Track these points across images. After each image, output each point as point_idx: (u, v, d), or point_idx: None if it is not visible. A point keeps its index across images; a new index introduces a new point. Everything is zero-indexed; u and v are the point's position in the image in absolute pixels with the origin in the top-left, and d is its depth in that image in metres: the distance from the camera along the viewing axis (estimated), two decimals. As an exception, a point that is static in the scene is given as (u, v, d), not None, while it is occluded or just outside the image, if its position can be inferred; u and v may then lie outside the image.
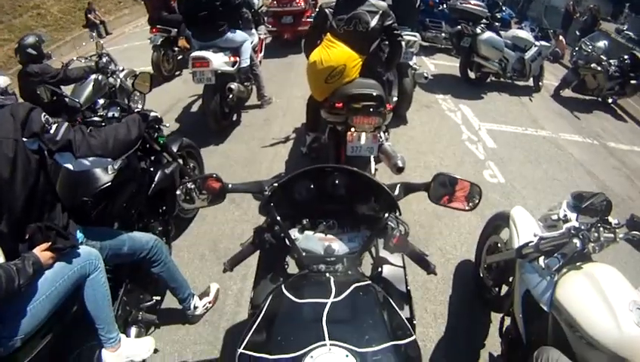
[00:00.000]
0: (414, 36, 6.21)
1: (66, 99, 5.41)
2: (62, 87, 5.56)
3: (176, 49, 9.22)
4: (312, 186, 1.76)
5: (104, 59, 6.07)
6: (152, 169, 3.20)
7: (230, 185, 1.87)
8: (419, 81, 6.55)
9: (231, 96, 5.79)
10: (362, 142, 3.62)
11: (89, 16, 17.41)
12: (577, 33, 14.01)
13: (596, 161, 6.55)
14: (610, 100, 9.77)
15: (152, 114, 3.17)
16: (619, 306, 1.89)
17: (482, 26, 8.60)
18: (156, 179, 3.16)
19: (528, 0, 22.76)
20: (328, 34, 3.92)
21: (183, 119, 6.75)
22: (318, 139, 4.41)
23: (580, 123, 8.12)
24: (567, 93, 9.43)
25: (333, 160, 3.86)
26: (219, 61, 5.58)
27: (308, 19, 10.12)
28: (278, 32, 10.67)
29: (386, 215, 1.68)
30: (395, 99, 5.95)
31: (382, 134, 3.86)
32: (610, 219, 2.24)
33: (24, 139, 2.03)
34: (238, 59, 5.94)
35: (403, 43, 4.41)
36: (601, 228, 2.20)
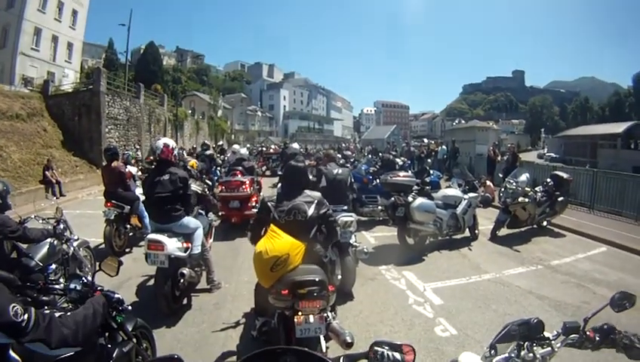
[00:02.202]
0: (351, 216, 7.07)
1: (25, 259, 5.49)
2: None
3: (128, 226, 9.62)
4: None
5: (61, 226, 6.22)
6: (109, 346, 3.24)
7: None
8: (360, 258, 7.04)
9: (182, 280, 6.06)
10: (310, 325, 3.85)
11: (46, 172, 18.12)
12: (500, 175, 15.33)
13: (543, 283, 7.32)
14: (544, 223, 11.06)
15: (116, 296, 3.31)
16: None
17: (413, 193, 9.50)
18: (114, 356, 3.18)
19: (453, 156, 24.83)
20: (272, 225, 4.46)
21: (134, 298, 6.84)
22: (268, 323, 4.54)
23: (520, 255, 9.02)
24: (503, 231, 10.42)
25: (284, 343, 4.03)
26: (173, 246, 6.02)
27: (253, 205, 11.53)
28: (226, 215, 11.60)
29: None
30: (339, 277, 6.46)
31: (329, 314, 4.09)
32: (546, 334, 2.40)
33: None
34: (190, 245, 6.35)
35: (337, 227, 5.25)
36: (536, 347, 2.35)
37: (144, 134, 30.95)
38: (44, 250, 5.89)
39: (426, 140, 33.11)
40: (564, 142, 55.91)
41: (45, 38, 44.00)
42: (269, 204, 4.91)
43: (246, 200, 11.73)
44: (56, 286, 3.40)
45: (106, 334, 3.31)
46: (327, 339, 4.11)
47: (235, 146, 18.72)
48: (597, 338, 2.40)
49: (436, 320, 5.86)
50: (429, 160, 24.68)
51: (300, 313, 3.89)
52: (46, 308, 3.09)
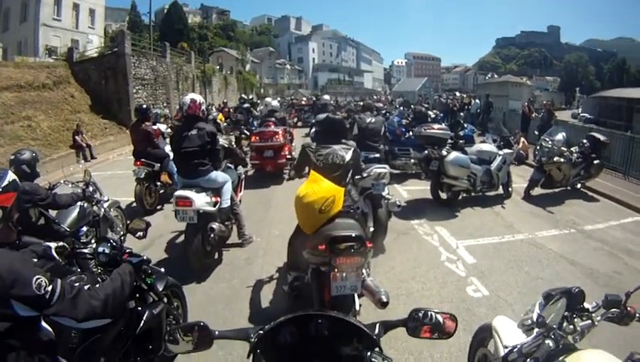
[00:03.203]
0: (384, 168, 6.99)
1: (55, 225, 5.53)
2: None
3: (158, 183, 9.84)
4: (295, 330, 1.85)
5: (91, 188, 6.37)
6: (139, 308, 3.31)
7: (217, 332, 1.95)
8: (392, 210, 7.01)
9: (212, 235, 6.14)
10: (346, 282, 3.83)
11: (76, 137, 18.54)
12: (536, 132, 14.97)
13: (576, 248, 7.18)
14: (578, 186, 10.75)
15: (143, 260, 3.32)
16: None
17: (447, 147, 9.38)
18: (144, 318, 3.27)
19: (487, 111, 24.31)
20: (312, 171, 4.56)
21: (164, 255, 7.04)
22: (301, 278, 4.61)
23: (554, 217, 8.83)
24: (536, 191, 10.23)
25: (317, 300, 4.05)
26: (201, 201, 6.06)
27: (286, 154, 12.47)
28: (260, 164, 12.48)
29: (368, 354, 1.78)
30: (371, 230, 6.48)
31: (364, 270, 4.12)
32: (586, 305, 2.36)
33: (11, 302, 2.04)
34: (219, 199, 6.43)
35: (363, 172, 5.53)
36: (576, 319, 2.31)
37: (172, 92, 30.99)
38: (75, 213, 6.02)
39: (458, 94, 32.32)
40: (599, 104, 53.53)
41: (66, 6, 44.56)
42: (307, 149, 5.08)
43: (279, 150, 12.37)
44: (85, 251, 3.40)
45: (136, 296, 3.36)
46: (359, 296, 4.13)
47: (267, 99, 19.15)
48: (637, 315, 2.36)
49: (468, 280, 5.86)
50: (462, 113, 24.25)
51: (336, 269, 3.84)
52: (73, 277, 3.03)
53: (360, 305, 4.21)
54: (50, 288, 2.13)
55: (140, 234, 3.69)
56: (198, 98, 6.71)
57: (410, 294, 5.43)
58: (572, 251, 7.00)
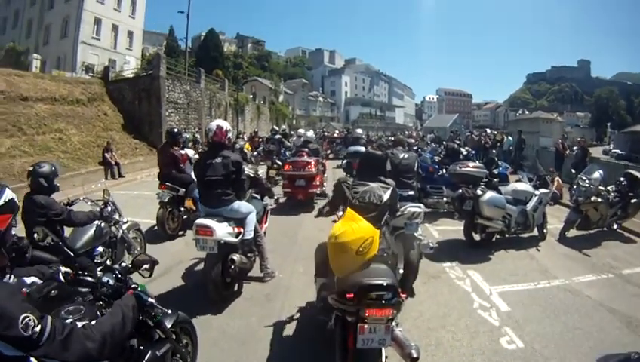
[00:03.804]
0: (418, 207, 6.65)
1: (70, 242, 5.59)
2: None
3: (182, 209, 9.63)
4: None
5: (109, 208, 6.26)
6: (141, 348, 3.06)
7: None
8: (424, 252, 6.69)
9: (233, 267, 5.92)
10: (374, 335, 3.55)
11: (106, 154, 18.81)
12: (572, 171, 14.60)
13: (615, 295, 6.70)
14: (615, 226, 10.18)
15: (149, 300, 3.11)
16: None
17: (482, 186, 9.02)
18: (145, 360, 3.03)
19: (520, 148, 23.91)
20: (348, 208, 4.23)
21: (181, 284, 6.84)
22: (327, 287, 4.30)
23: (590, 260, 8.38)
24: (572, 232, 9.76)
25: (340, 349, 3.77)
26: (222, 231, 5.88)
27: (318, 184, 12.75)
28: (292, 193, 12.67)
29: None
30: (400, 271, 5.97)
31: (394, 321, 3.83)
32: None
33: None
34: (242, 230, 6.21)
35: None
36: None
37: (205, 118, 31.26)
38: (90, 232, 5.93)
39: (488, 130, 32.14)
40: (631, 139, 52.85)
41: (105, 27, 46.88)
42: (343, 185, 4.84)
43: (311, 179, 12.59)
44: (88, 279, 3.13)
45: (141, 332, 3.12)
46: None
47: (300, 130, 20.79)
48: None
49: (502, 330, 5.42)
50: (494, 151, 23.79)
51: (364, 321, 3.53)
52: (71, 307, 2.81)
53: (386, 357, 3.89)
54: (38, 328, 1.95)
55: (146, 269, 3.41)
56: (225, 125, 6.53)
57: (439, 344, 5.03)
58: (610, 298, 6.51)
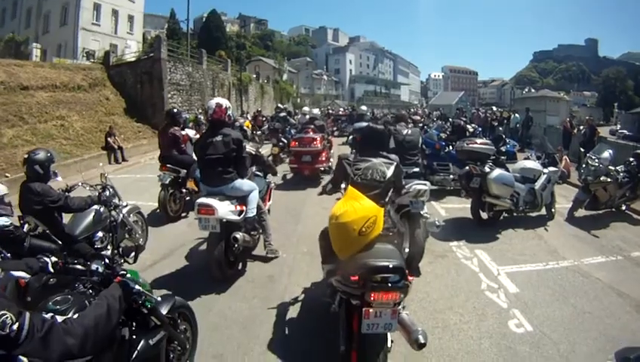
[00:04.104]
0: (424, 184, 6.51)
1: (68, 228, 5.61)
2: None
3: (184, 190, 9.59)
4: None
5: (107, 192, 6.16)
6: (134, 337, 2.98)
7: None
8: (430, 230, 6.61)
9: (236, 245, 5.90)
10: (380, 319, 3.37)
11: (108, 139, 18.91)
12: (581, 149, 14.51)
13: (624, 278, 6.54)
14: (623, 207, 10.04)
15: (136, 288, 2.95)
16: None
17: (490, 163, 8.86)
18: (137, 349, 2.94)
19: (527, 126, 23.73)
20: (349, 186, 4.09)
21: (183, 267, 6.74)
22: (333, 273, 4.07)
23: (599, 241, 8.23)
24: (580, 212, 9.62)
25: (345, 333, 3.62)
26: (224, 209, 5.82)
27: (323, 159, 13.21)
28: (298, 168, 13.24)
29: None
30: (406, 250, 5.87)
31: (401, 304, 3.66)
32: None
33: None
34: (245, 208, 6.17)
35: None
36: None
37: (207, 99, 30.66)
38: (90, 217, 5.89)
39: (494, 108, 31.93)
40: (639, 120, 52.70)
41: (105, 12, 46.57)
42: (344, 162, 4.68)
43: (317, 155, 13.01)
44: (77, 267, 3.04)
45: (134, 321, 3.03)
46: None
47: (305, 108, 21.76)
48: None
49: (510, 312, 5.30)
50: (501, 128, 23.64)
51: (370, 305, 3.35)
52: (59, 297, 2.74)
53: (392, 341, 3.75)
54: (16, 326, 1.86)
55: (131, 256, 3.36)
56: (224, 102, 6.40)
57: (446, 327, 4.90)
58: (619, 281, 6.34)
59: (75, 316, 2.31)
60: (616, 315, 5.30)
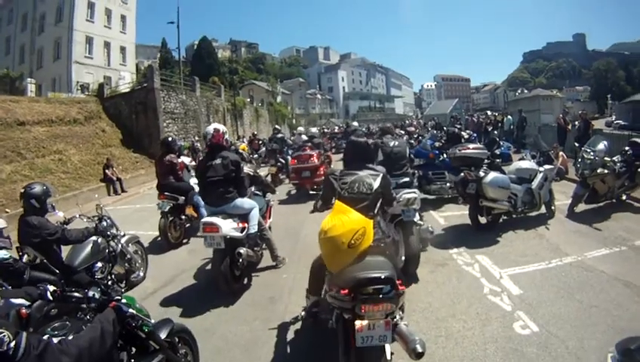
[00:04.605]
0: (414, 192, 6.58)
1: (67, 260, 5.67)
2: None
3: (183, 217, 9.74)
4: None
5: (104, 223, 6.29)
6: (132, 361, 3.07)
7: None
8: (425, 237, 6.69)
9: (240, 260, 6.28)
10: (373, 332, 3.39)
11: (106, 171, 19.00)
12: (576, 144, 14.36)
13: (630, 268, 6.48)
14: (624, 197, 10.00)
15: (130, 311, 3.04)
16: None
17: (484, 168, 8.84)
18: None
19: (521, 127, 23.77)
20: (337, 201, 4.11)
21: (184, 293, 6.76)
22: (319, 305, 4.31)
23: (602, 234, 8.17)
24: (580, 207, 9.57)
25: (343, 348, 3.60)
26: (227, 227, 6.23)
27: (322, 173, 13.54)
28: (300, 183, 14.13)
29: None
30: (402, 258, 5.92)
31: (397, 314, 3.64)
32: None
33: None
34: (246, 225, 6.59)
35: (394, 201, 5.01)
36: None
37: (203, 125, 31.02)
38: (88, 248, 5.93)
39: (489, 112, 32.16)
40: (633, 109, 51.78)
41: (97, 45, 47.34)
42: (330, 177, 4.64)
43: (315, 170, 13.90)
44: (75, 294, 3.12)
45: (132, 347, 3.13)
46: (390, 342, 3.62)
47: (300, 128, 23.16)
48: None
49: (515, 314, 5.21)
50: (495, 132, 23.50)
51: (362, 318, 3.36)
52: (57, 324, 2.83)
53: (392, 354, 3.69)
54: (13, 344, 1.99)
55: (123, 282, 3.43)
56: (222, 128, 6.97)
57: (449, 335, 4.82)
58: (625, 271, 6.27)
59: (70, 337, 2.43)
60: (624, 306, 5.23)
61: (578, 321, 4.94)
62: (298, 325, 5.30)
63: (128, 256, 6.84)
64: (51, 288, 3.23)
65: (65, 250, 5.93)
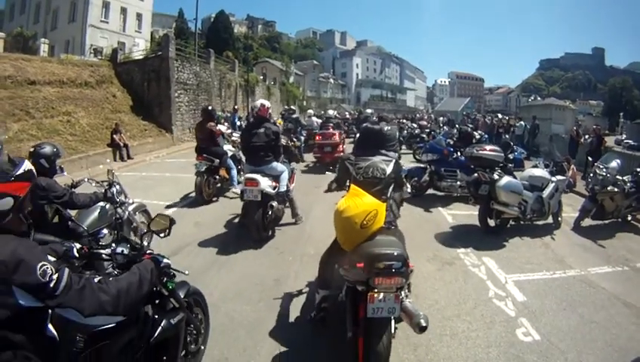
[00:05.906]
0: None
1: (72, 224, 5.44)
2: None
3: (217, 177, 11.17)
4: None
5: (114, 189, 6.20)
6: (156, 316, 3.08)
7: None
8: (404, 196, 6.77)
9: (271, 212, 7.66)
10: (384, 303, 3.57)
11: (114, 136, 19.07)
12: (589, 158, 14.55)
13: (631, 288, 6.52)
14: (629, 218, 9.98)
15: (165, 261, 3.09)
16: None
17: (499, 171, 8.87)
18: (160, 327, 3.04)
19: (533, 134, 23.69)
20: (352, 184, 4.36)
21: (188, 266, 6.56)
22: (330, 299, 4.43)
23: (605, 251, 8.20)
24: (586, 222, 9.58)
25: (351, 319, 3.80)
26: (265, 183, 7.54)
27: (340, 150, 16.30)
28: (321, 157, 16.60)
29: None
30: None
31: (403, 292, 3.91)
32: None
33: (13, 288, 1.93)
34: (278, 184, 7.95)
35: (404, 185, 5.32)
36: None
37: (214, 99, 31.42)
38: (95, 214, 5.88)
39: (500, 115, 32.05)
40: (644, 130, 52.41)
41: (114, 10, 47.24)
42: (346, 162, 4.88)
43: (335, 146, 16.46)
44: (102, 251, 3.19)
45: (155, 301, 3.15)
46: (397, 321, 3.91)
47: (310, 111, 27.25)
48: None
49: (518, 321, 5.28)
50: (507, 135, 23.41)
51: (374, 290, 3.56)
52: (87, 273, 2.88)
53: (396, 328, 3.96)
54: (55, 276, 2.04)
55: (165, 233, 3.42)
56: (267, 103, 8.53)
57: (454, 335, 4.90)
58: (626, 291, 6.33)
59: (110, 279, 2.47)
60: (622, 325, 5.28)
61: (578, 334, 5.01)
62: (300, 304, 5.48)
63: (134, 225, 6.81)
64: (77, 245, 3.23)
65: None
